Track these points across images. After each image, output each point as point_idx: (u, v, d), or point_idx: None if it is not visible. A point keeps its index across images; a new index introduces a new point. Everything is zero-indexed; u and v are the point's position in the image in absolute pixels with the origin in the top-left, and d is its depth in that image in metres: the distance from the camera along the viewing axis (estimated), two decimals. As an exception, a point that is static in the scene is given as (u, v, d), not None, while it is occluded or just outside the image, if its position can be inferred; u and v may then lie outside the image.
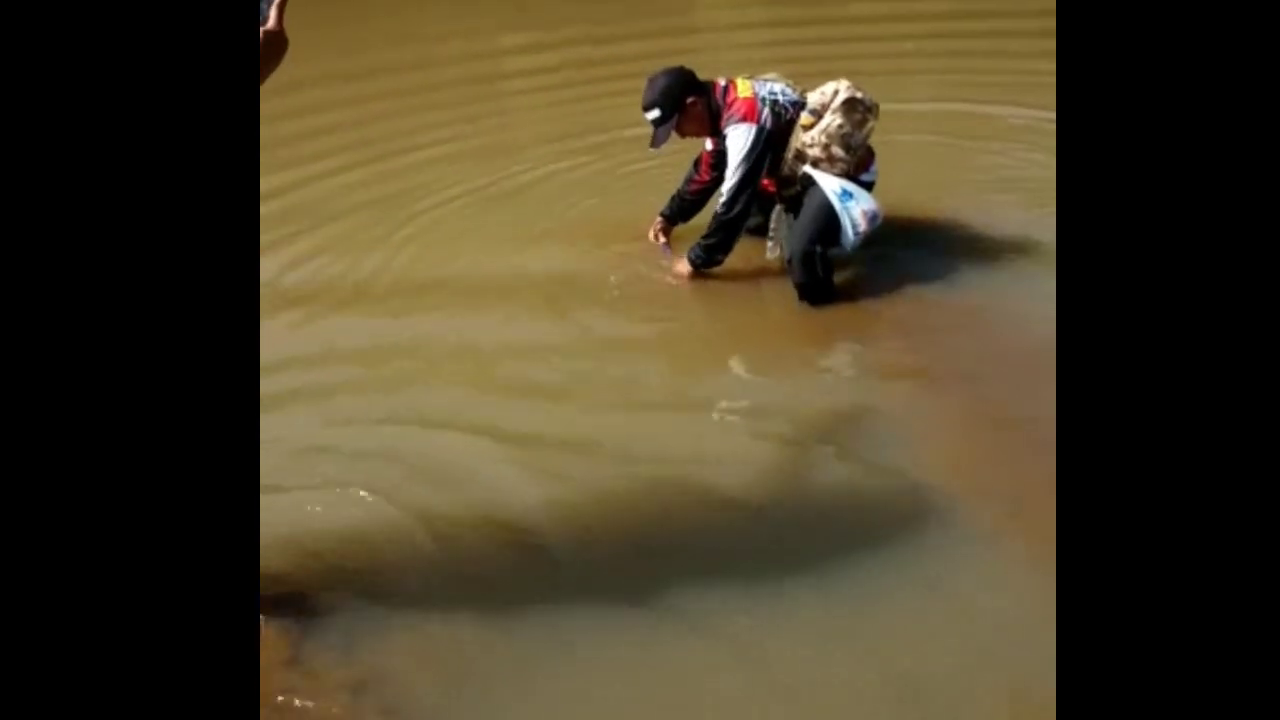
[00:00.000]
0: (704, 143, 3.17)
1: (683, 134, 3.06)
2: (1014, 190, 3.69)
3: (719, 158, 3.12)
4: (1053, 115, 3.76)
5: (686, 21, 7.68)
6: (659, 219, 3.31)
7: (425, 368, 2.82)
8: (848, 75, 2.98)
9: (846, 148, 2.86)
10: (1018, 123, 4.45)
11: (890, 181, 3.14)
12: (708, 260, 3.04)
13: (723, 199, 2.96)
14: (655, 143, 3.00)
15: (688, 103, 2.95)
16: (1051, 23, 1.52)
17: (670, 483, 2.22)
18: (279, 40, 1.47)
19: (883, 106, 2.96)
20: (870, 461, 2.28)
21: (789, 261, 2.93)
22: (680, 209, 3.29)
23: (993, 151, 4.15)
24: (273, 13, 1.47)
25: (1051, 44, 1.41)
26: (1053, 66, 1.20)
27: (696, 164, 3.24)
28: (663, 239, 3.28)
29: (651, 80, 2.97)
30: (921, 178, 3.72)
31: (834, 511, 2.11)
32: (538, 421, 2.48)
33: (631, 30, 6.96)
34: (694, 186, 3.26)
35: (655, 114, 2.96)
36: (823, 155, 2.87)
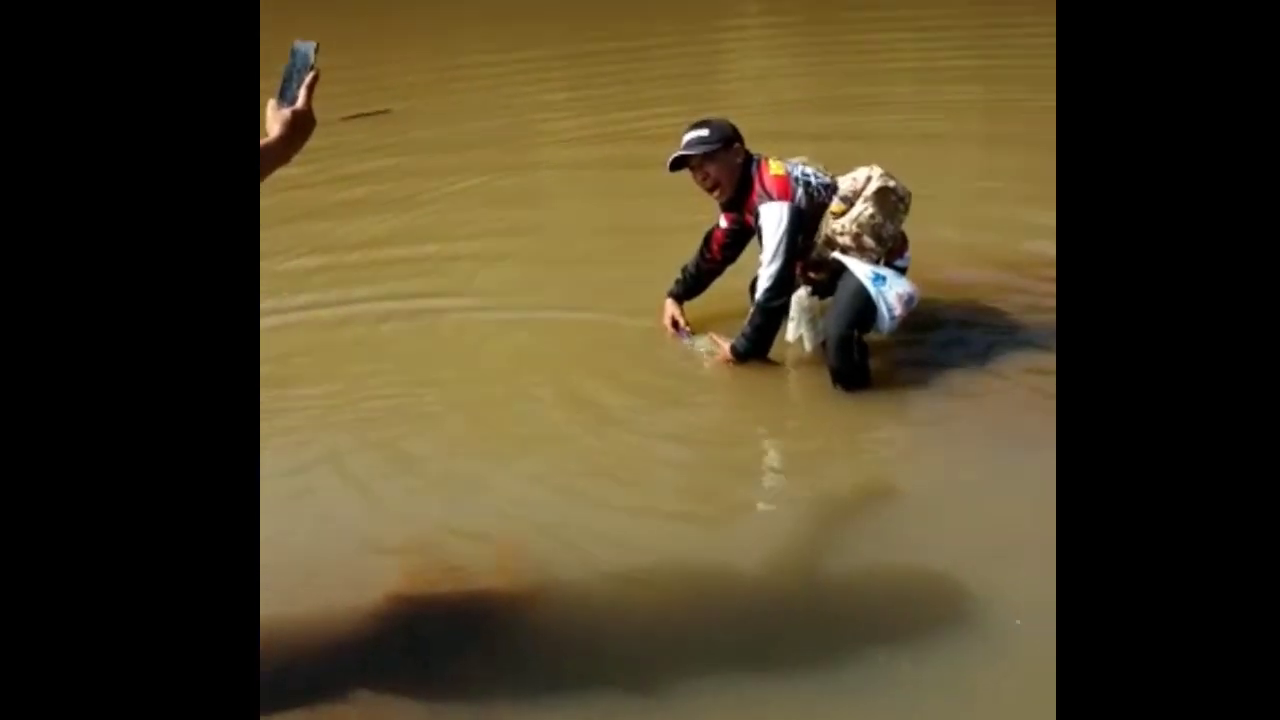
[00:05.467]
0: (718, 218, 3.09)
1: (704, 177, 2.93)
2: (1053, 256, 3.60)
3: (734, 238, 3.07)
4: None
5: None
6: (669, 301, 3.21)
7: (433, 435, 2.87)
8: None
9: (878, 238, 2.79)
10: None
11: (924, 258, 3.07)
12: (754, 350, 2.95)
13: (764, 285, 2.85)
14: (676, 161, 2.90)
15: (735, 146, 2.90)
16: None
17: (696, 563, 2.25)
18: (307, 120, 1.53)
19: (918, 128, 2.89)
20: (901, 548, 2.27)
21: (825, 346, 2.89)
22: (689, 287, 3.21)
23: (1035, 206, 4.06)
24: (302, 93, 1.53)
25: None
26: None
27: (708, 240, 3.14)
28: (680, 322, 3.18)
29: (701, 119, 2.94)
30: (958, 247, 3.64)
31: (862, 601, 2.13)
32: (558, 506, 2.50)
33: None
34: (705, 265, 3.16)
35: (702, 133, 2.87)
36: (853, 244, 2.80)
